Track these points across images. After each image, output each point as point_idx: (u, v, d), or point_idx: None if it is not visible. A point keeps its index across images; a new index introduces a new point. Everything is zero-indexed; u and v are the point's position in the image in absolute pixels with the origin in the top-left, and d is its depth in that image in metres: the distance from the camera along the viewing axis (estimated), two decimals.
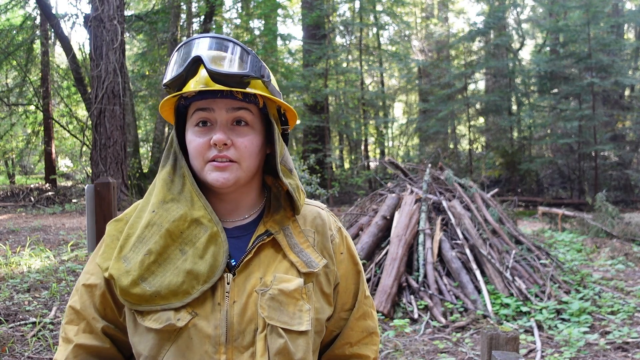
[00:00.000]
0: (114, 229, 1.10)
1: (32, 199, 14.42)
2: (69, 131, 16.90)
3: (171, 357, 0.99)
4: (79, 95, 14.38)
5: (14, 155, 19.52)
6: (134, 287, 0.99)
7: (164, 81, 1.05)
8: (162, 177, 1.07)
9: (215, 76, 1.00)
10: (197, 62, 1.01)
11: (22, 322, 4.20)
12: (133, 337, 1.04)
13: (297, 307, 1.03)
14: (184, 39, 17.56)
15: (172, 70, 1.04)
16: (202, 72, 1.04)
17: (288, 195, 1.12)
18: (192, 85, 1.04)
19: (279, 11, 18.26)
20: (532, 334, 4.22)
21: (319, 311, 1.08)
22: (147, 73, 17.21)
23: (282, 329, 1.00)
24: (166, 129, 15.62)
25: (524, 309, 4.63)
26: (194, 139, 1.04)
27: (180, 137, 1.10)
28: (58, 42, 14.23)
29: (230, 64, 1.01)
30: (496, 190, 8.66)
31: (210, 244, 1.03)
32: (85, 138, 11.89)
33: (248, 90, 1.03)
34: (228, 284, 1.02)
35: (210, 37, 1.04)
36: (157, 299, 0.99)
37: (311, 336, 1.05)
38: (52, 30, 13.31)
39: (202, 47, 1.02)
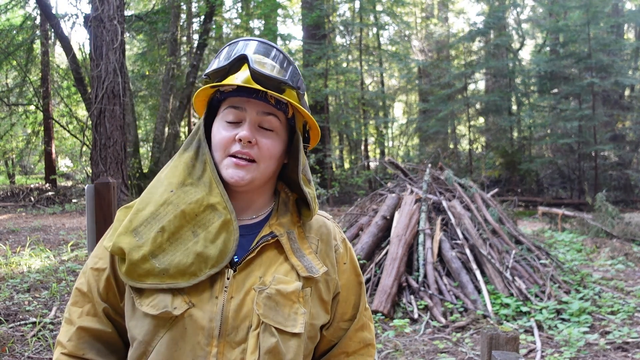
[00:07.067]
0: (123, 215, 1.12)
1: (32, 199, 14.42)
2: (69, 131, 16.89)
3: (164, 344, 1.01)
4: (79, 95, 14.36)
5: (14, 155, 19.50)
6: (144, 263, 1.02)
7: (207, 71, 1.10)
8: (185, 160, 1.10)
9: (256, 75, 1.05)
10: (242, 60, 1.07)
11: (22, 322, 4.20)
12: (130, 321, 1.06)
13: (292, 309, 1.05)
14: (184, 39, 17.64)
15: (217, 63, 1.10)
16: (244, 72, 1.08)
17: (298, 203, 1.17)
18: (232, 81, 1.09)
19: (279, 11, 18.25)
20: (532, 334, 4.22)
21: (315, 317, 1.10)
22: (147, 73, 17.21)
23: (276, 328, 1.02)
24: (166, 129, 15.60)
25: (524, 309, 4.63)
26: (220, 132, 1.09)
27: (206, 128, 1.15)
28: (58, 42, 14.21)
29: (272, 68, 1.07)
30: (496, 190, 8.67)
31: (223, 230, 1.05)
32: (85, 138, 11.87)
33: (282, 97, 1.07)
34: (228, 279, 1.04)
35: (258, 41, 1.11)
36: (165, 277, 1.01)
37: (303, 339, 1.07)
38: (52, 30, 13.30)
39: (249, 48, 1.09)
